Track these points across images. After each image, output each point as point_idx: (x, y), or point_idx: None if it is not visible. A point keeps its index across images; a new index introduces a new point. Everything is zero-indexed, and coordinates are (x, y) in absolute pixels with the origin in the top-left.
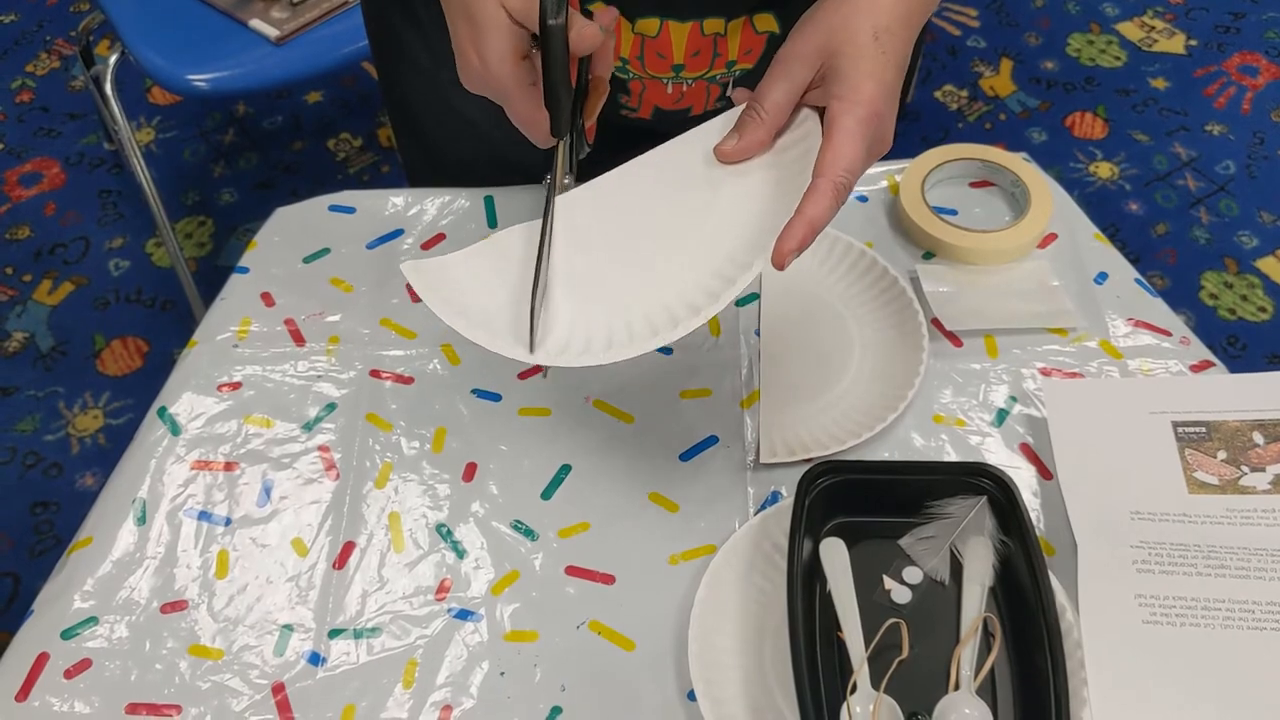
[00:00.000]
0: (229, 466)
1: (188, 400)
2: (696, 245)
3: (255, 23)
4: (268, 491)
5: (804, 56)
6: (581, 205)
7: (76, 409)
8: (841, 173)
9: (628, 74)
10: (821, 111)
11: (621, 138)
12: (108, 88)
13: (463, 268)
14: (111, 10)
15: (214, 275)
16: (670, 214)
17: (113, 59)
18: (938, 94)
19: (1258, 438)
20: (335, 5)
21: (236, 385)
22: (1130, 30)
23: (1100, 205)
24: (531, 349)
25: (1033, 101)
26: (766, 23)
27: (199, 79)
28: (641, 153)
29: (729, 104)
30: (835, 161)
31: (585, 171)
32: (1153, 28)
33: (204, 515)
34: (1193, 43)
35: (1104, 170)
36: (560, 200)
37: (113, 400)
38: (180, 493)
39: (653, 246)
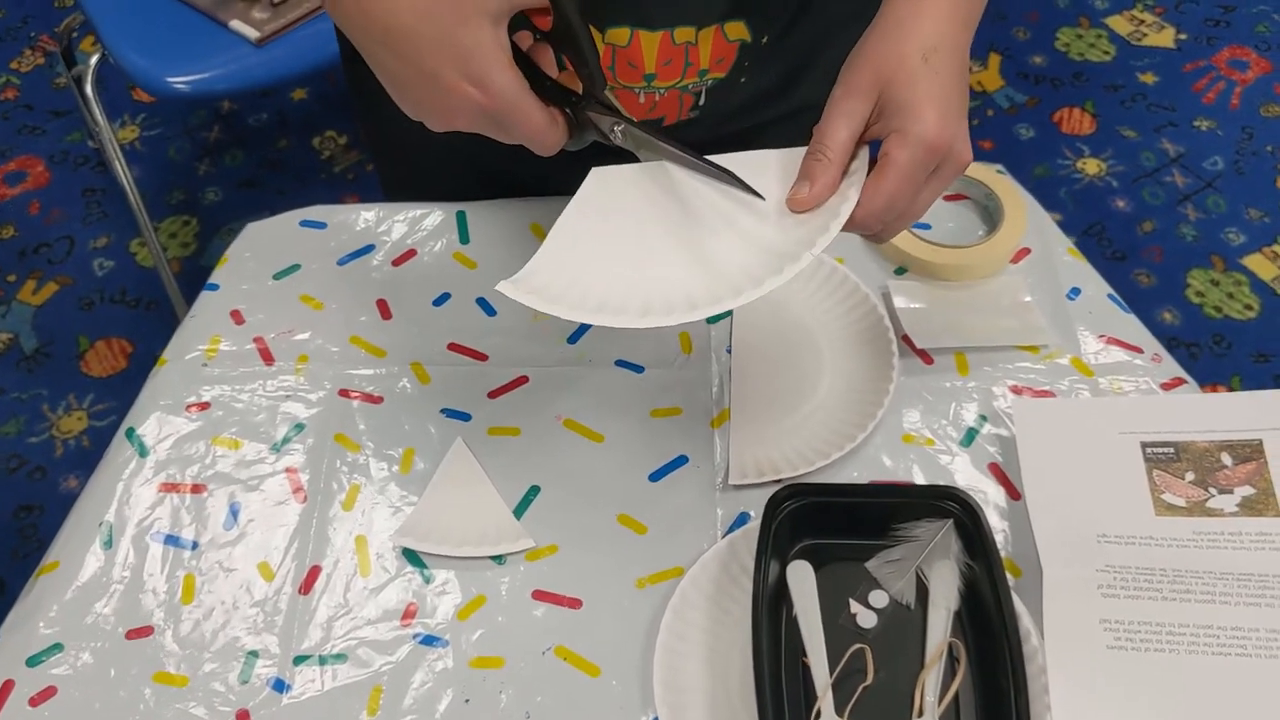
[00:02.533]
0: (196, 489)
1: (156, 421)
2: (723, 251)
3: (236, 23)
4: (235, 514)
5: (859, 91)
6: (622, 180)
7: (60, 411)
8: (877, 212)
9: None
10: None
11: (593, 148)
12: (88, 88)
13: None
14: (91, 10)
15: (198, 275)
16: (698, 219)
17: (94, 59)
18: None
19: (1226, 459)
20: (316, 5)
21: (205, 405)
22: (1119, 24)
23: (1087, 202)
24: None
25: (1021, 97)
26: (738, 30)
27: (179, 81)
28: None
29: (701, 113)
30: (873, 199)
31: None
32: (1142, 21)
33: (171, 539)
34: (1182, 36)
35: (1091, 167)
36: (603, 172)
37: (96, 402)
38: (147, 515)
39: (680, 241)
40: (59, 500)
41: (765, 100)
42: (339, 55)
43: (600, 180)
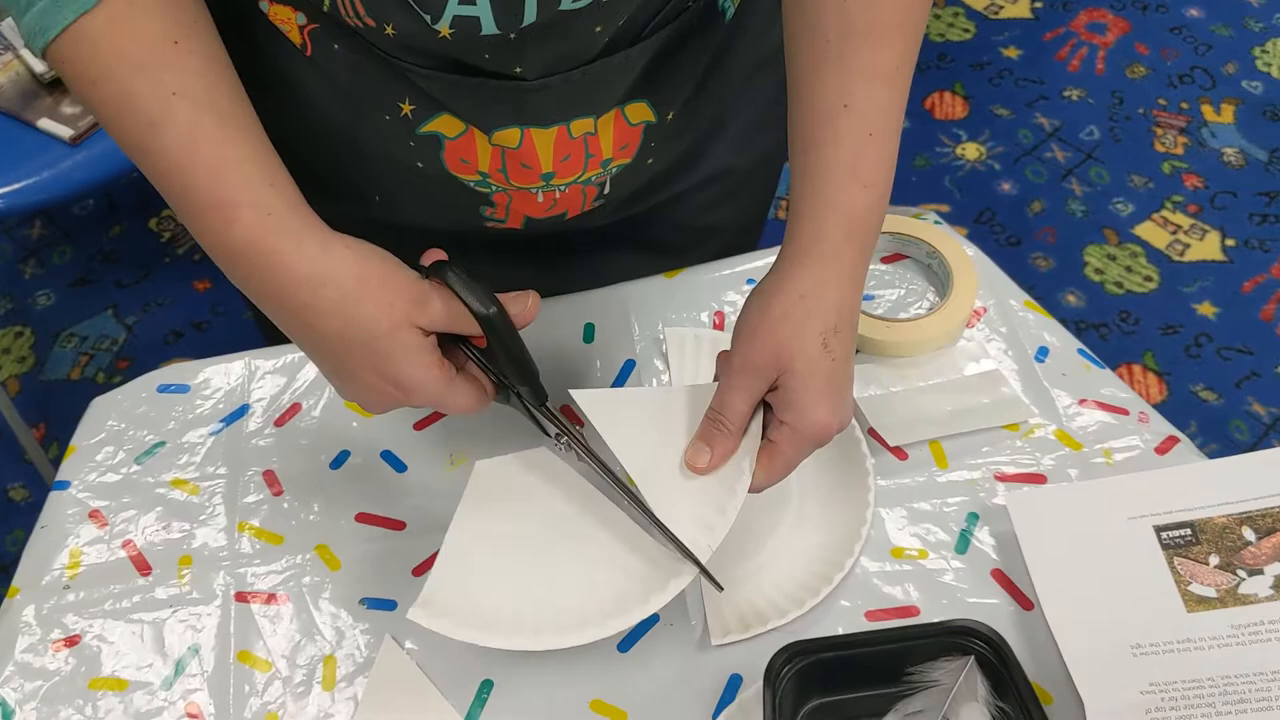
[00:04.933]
0: None
1: (16, 671)
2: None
3: (44, 122)
4: None
5: (759, 370)
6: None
7: None
8: (760, 489)
9: (490, 188)
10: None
11: (490, 246)
12: None
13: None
14: None
15: (41, 393)
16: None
17: None
18: None
19: (1248, 534)
20: None
21: (74, 640)
22: None
23: (972, 189)
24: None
25: None
26: (640, 112)
27: None
28: (515, 263)
29: (607, 203)
30: (759, 482)
31: None
32: None
33: None
34: (1038, 4)
35: (971, 151)
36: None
37: None
38: None
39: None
40: None
41: (674, 175)
42: None
43: (486, 476)
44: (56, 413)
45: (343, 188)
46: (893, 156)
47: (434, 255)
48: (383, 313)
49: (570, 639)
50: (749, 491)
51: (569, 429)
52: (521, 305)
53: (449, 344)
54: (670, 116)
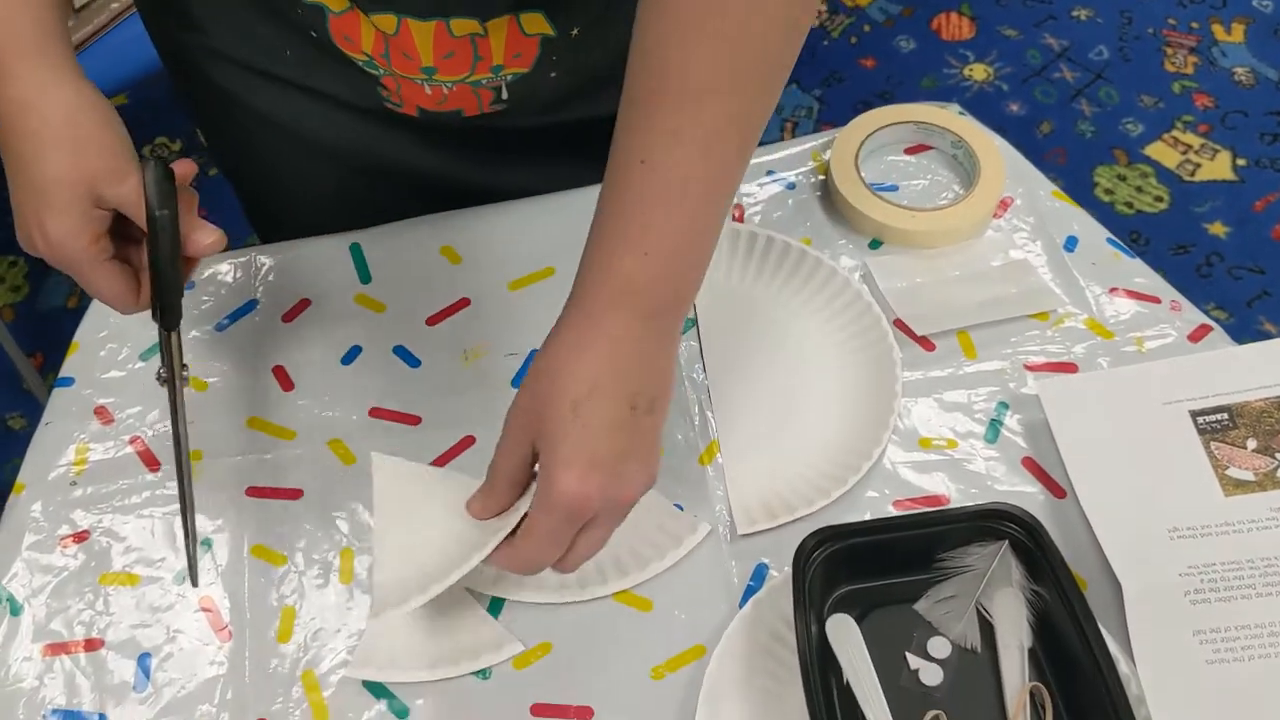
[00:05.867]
0: (91, 645)
1: (23, 566)
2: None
3: None
4: (145, 671)
5: (518, 434)
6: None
7: None
8: (521, 565)
9: (377, 70)
10: None
11: (396, 125)
12: None
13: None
14: None
15: (36, 321)
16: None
17: None
18: None
19: None
20: (124, 7)
21: (83, 536)
22: None
23: (981, 110)
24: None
25: (895, 8)
26: (536, 24)
27: None
28: (458, 159)
29: (508, 106)
30: (513, 555)
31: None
32: None
33: (70, 716)
34: None
35: (979, 72)
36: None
37: None
38: (35, 690)
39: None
40: None
41: (588, 94)
42: (159, 62)
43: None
44: (53, 342)
45: (259, 43)
46: (695, 222)
47: (182, 164)
48: (68, 160)
49: (593, 592)
50: (510, 565)
51: (175, 371)
52: (206, 234)
53: (138, 240)
54: (575, 33)
